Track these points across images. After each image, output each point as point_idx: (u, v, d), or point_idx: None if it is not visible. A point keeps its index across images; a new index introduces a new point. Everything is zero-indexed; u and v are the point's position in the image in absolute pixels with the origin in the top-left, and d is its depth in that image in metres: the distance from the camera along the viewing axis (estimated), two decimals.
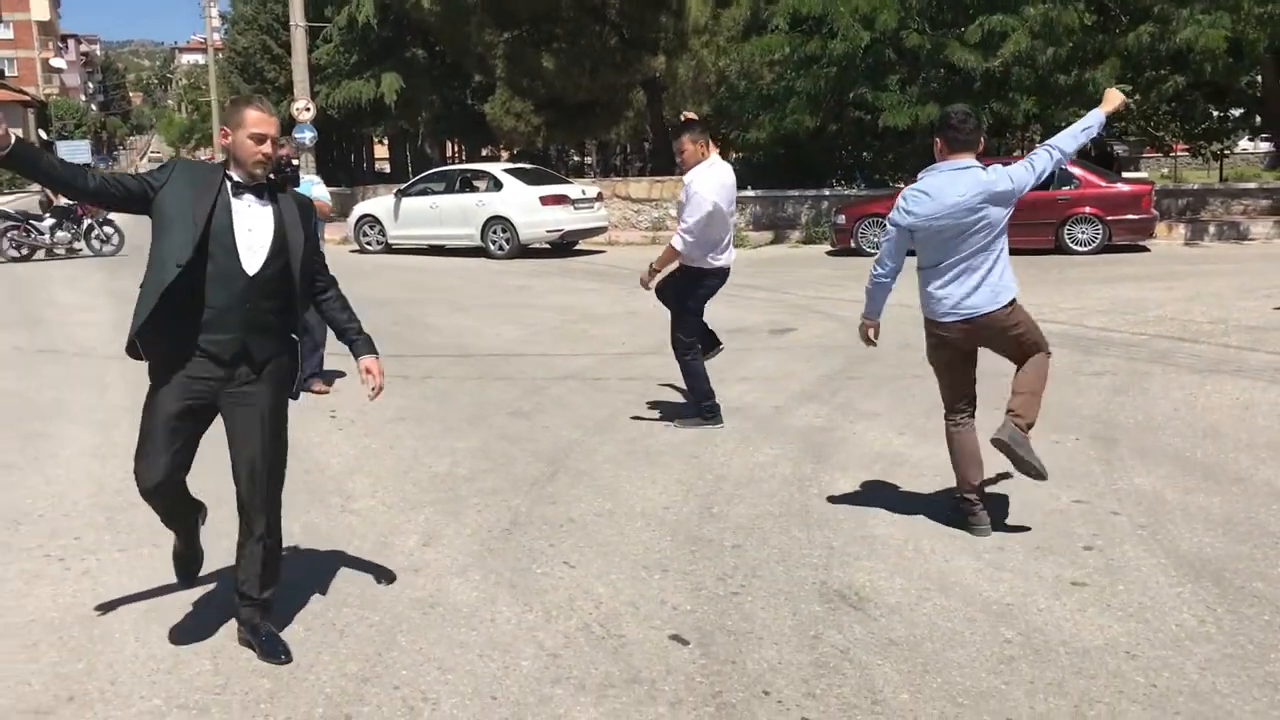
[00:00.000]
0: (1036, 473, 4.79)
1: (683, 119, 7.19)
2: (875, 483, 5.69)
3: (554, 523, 5.20)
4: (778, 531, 4.99)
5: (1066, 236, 16.73)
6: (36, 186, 53.03)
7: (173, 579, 4.58)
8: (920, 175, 4.87)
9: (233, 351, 3.74)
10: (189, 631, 4.07)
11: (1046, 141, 4.94)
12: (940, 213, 4.66)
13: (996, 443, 4.81)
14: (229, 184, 3.71)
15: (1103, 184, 17.03)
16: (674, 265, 6.84)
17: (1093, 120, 4.86)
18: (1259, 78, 22.54)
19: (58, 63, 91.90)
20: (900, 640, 3.85)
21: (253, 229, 3.72)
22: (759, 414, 7.22)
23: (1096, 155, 24.92)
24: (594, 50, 24.91)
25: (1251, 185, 21.52)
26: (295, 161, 8.91)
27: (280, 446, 4.00)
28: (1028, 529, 4.92)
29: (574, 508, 5.41)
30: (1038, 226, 16.72)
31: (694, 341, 6.94)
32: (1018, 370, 5.00)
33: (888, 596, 4.23)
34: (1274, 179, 28.32)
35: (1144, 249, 17.20)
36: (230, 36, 52.62)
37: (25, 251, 20.29)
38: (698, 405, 7.00)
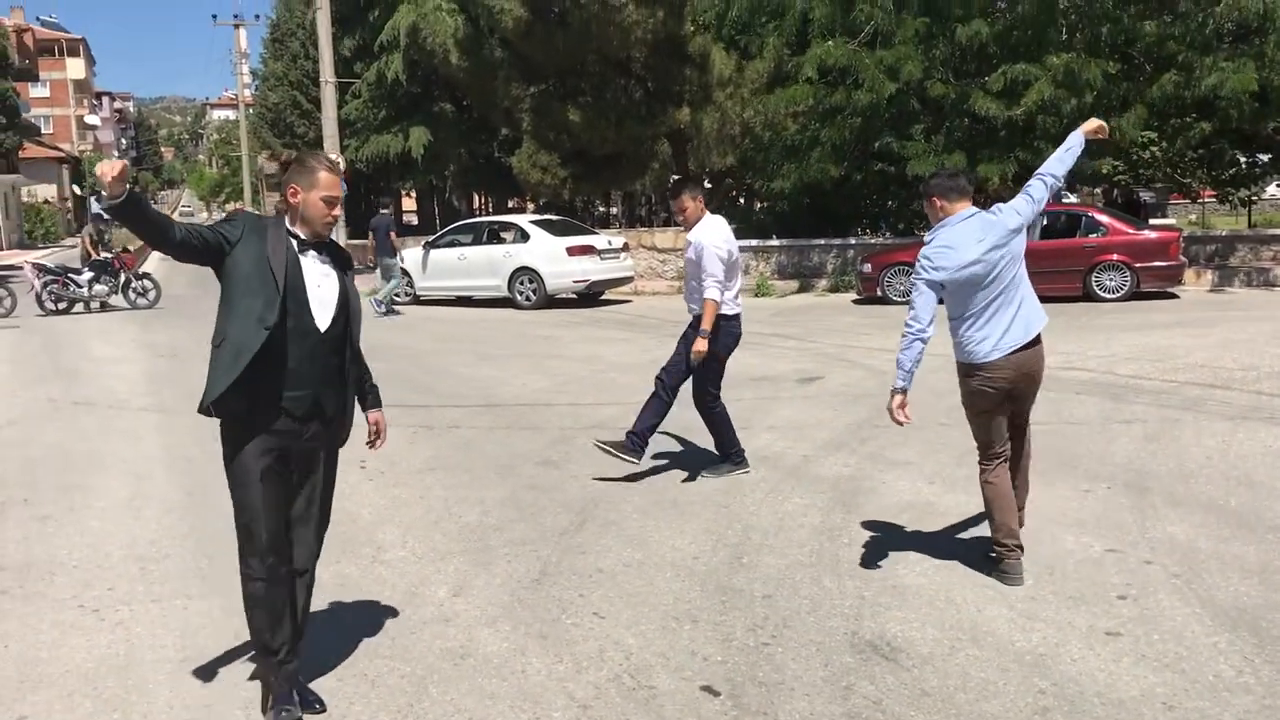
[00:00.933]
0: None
1: (672, 181, 7.46)
2: (906, 532, 5.67)
3: (583, 573, 5.20)
4: (808, 581, 4.97)
5: (1094, 284, 16.68)
6: (70, 240, 53.53)
7: (204, 629, 4.62)
8: (931, 234, 4.95)
9: (307, 407, 3.76)
10: (222, 681, 4.09)
11: (1037, 171, 5.10)
12: (967, 261, 4.75)
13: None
14: (295, 241, 3.77)
15: (1130, 231, 17.00)
16: (707, 322, 6.67)
17: (1074, 142, 5.07)
18: None
19: (92, 120, 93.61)
20: (933, 691, 3.82)
21: (320, 285, 3.79)
22: (787, 463, 7.22)
23: (1124, 203, 24.96)
24: (619, 103, 25.16)
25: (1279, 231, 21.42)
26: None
27: (331, 496, 4.06)
28: (1060, 578, 4.88)
29: (603, 558, 5.41)
30: (1065, 274, 16.73)
31: (718, 393, 6.98)
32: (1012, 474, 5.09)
33: (920, 647, 4.21)
34: None
35: (1173, 295, 17.12)
36: (261, 92, 53.48)
37: (64, 305, 20.57)
38: (725, 454, 7.03)
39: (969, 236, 4.80)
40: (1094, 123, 5.18)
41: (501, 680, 4.04)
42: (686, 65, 25.12)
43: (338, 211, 3.83)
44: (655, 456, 7.58)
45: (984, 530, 5.59)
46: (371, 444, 4.13)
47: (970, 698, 3.77)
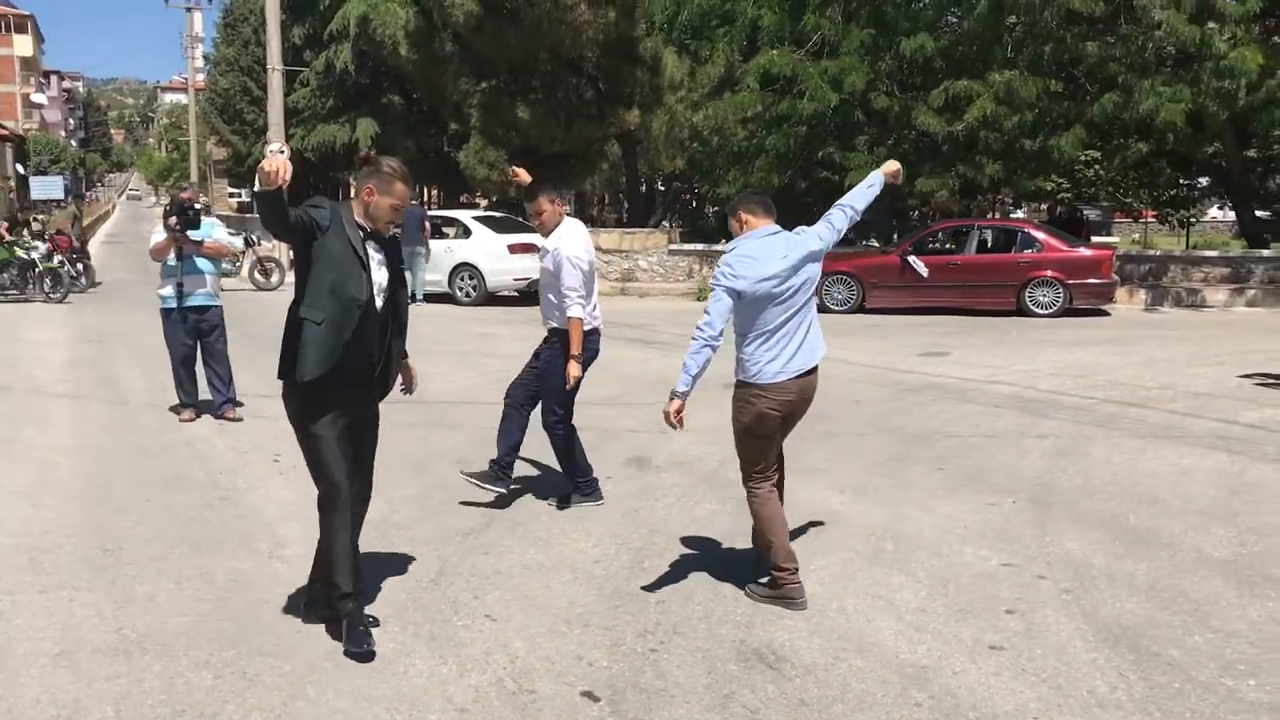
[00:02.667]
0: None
1: (512, 173, 6.74)
2: (809, 540, 5.69)
3: (482, 574, 5.17)
4: (705, 588, 4.98)
5: (1028, 299, 16.87)
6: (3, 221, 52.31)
7: (87, 622, 4.53)
8: (734, 244, 4.82)
9: (365, 371, 4.36)
10: (96, 676, 4.01)
11: (839, 201, 5.11)
12: (768, 274, 4.66)
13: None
14: (362, 232, 4.30)
15: (1064, 248, 17.23)
16: (575, 345, 6.12)
17: (875, 180, 5.14)
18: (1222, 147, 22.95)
19: (38, 98, 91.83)
20: (811, 701, 3.84)
21: (379, 269, 4.36)
22: (702, 468, 7.23)
23: (1067, 220, 25.28)
24: (569, 102, 25.08)
25: (1212, 253, 21.80)
26: (197, 205, 8.93)
27: (376, 442, 4.64)
28: (954, 591, 4.93)
29: (504, 559, 5.38)
30: (999, 289, 16.94)
31: (567, 415, 6.32)
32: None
33: (805, 656, 4.22)
34: (1239, 247, 28.79)
35: (1105, 313, 17.37)
36: (212, 77, 52.81)
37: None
38: (575, 483, 6.39)
39: (773, 251, 4.72)
40: (892, 165, 5.24)
41: (382, 682, 3.99)
42: (638, 67, 25.10)
43: (401, 218, 4.43)
44: None
45: (886, 540, 5.65)
46: (407, 389, 4.79)
47: (847, 709, 3.78)
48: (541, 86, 25.42)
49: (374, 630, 4.39)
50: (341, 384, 4.26)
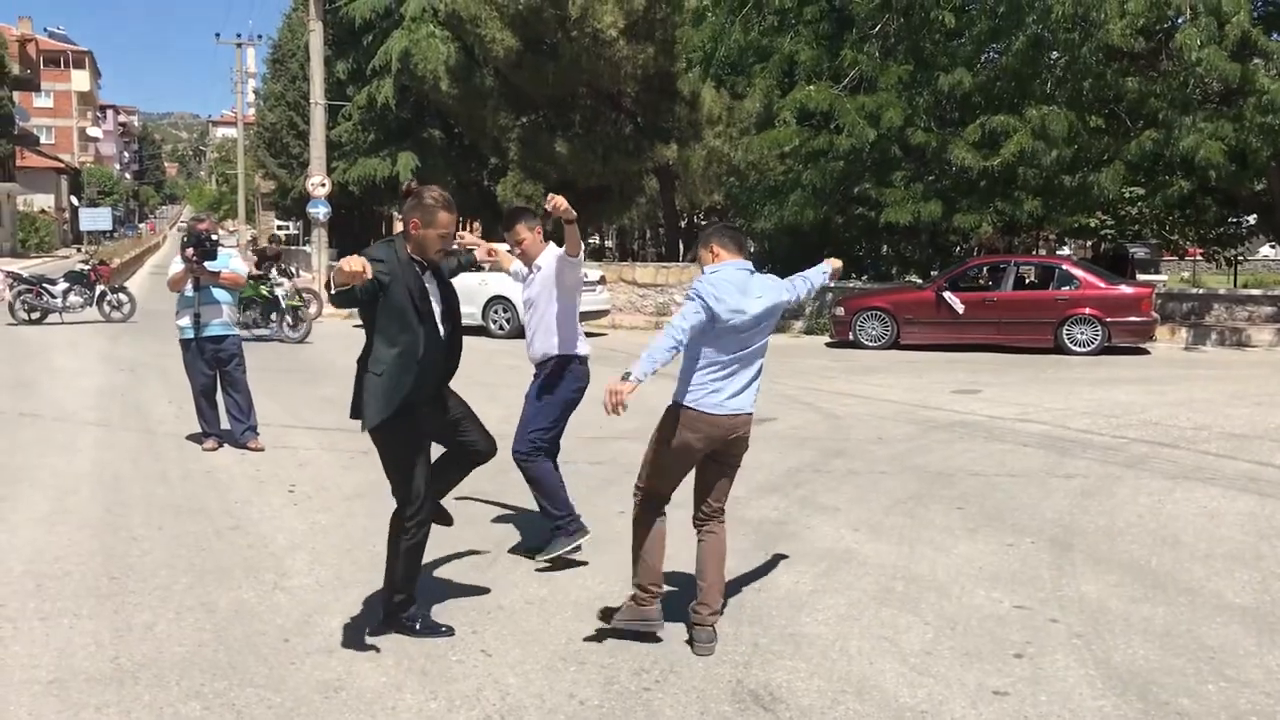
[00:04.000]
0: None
1: (506, 211, 6.35)
2: (819, 579, 5.59)
3: (482, 609, 5.12)
4: None
5: (1066, 336, 16.67)
6: (64, 251, 53.26)
7: (84, 650, 4.53)
8: (715, 268, 4.70)
9: (431, 395, 4.64)
10: (86, 706, 4.00)
11: (803, 273, 5.39)
12: (743, 309, 4.60)
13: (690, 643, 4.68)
14: (419, 267, 4.48)
15: (1103, 285, 17.01)
16: (550, 358, 6.03)
17: (826, 269, 5.59)
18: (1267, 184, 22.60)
19: (94, 132, 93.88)
20: None
21: (437, 300, 4.58)
22: None
23: (1112, 257, 24.99)
24: (608, 137, 25.26)
25: (1256, 292, 21.46)
26: (215, 236, 9.00)
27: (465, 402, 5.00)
28: (962, 634, 4.81)
29: (507, 594, 5.33)
30: (1036, 325, 16.76)
31: (552, 449, 6.10)
32: (703, 543, 4.89)
33: (802, 698, 4.13)
34: None
35: (1145, 352, 17.12)
36: (260, 112, 53.70)
37: (36, 315, 20.49)
38: (556, 524, 5.93)
39: (750, 288, 4.66)
40: (835, 263, 5.66)
41: (370, 716, 3.95)
42: (676, 102, 25.26)
43: (450, 245, 4.63)
44: (591, 490, 7.51)
45: (898, 579, 5.53)
46: None
47: None
48: (580, 121, 25.64)
49: (366, 664, 4.36)
50: (414, 410, 4.50)
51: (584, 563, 5.86)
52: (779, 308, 4.81)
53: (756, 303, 4.65)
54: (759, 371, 4.79)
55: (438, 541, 6.20)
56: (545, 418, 5.99)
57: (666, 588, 5.38)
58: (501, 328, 19.21)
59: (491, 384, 12.97)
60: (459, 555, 5.98)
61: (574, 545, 5.88)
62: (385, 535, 6.28)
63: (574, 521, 5.93)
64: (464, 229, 42.64)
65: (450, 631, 4.76)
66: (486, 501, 7.13)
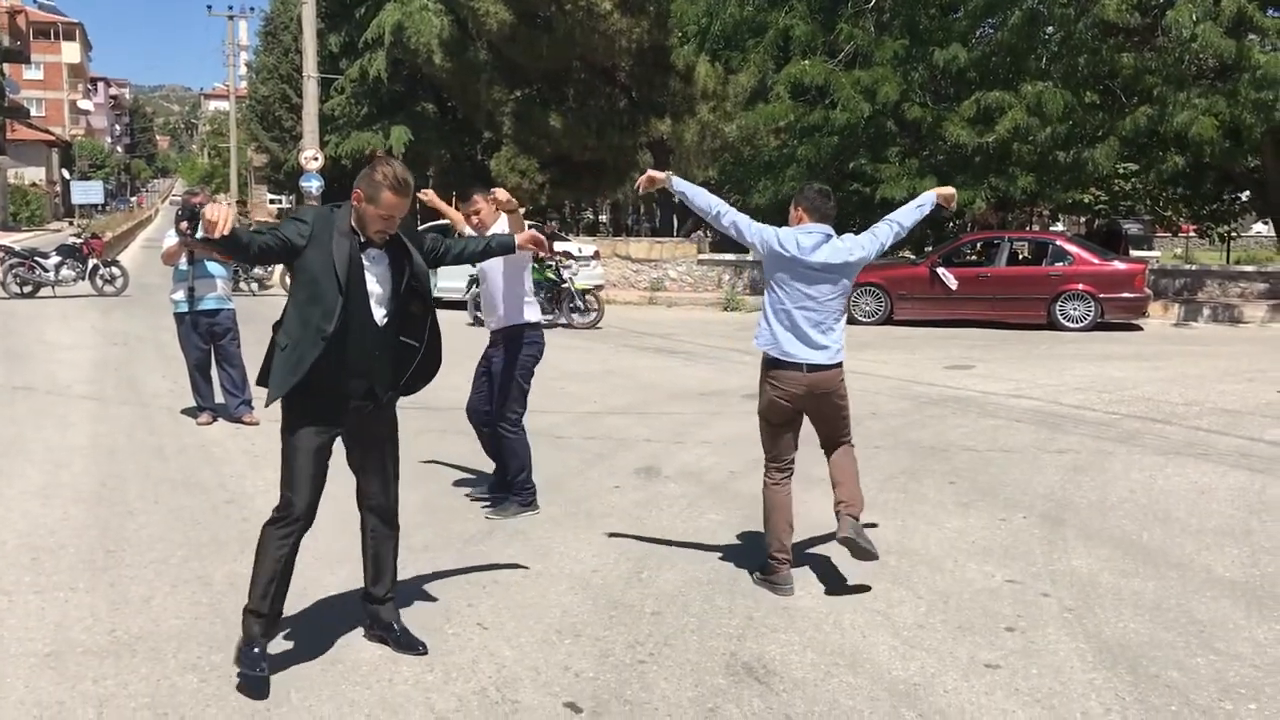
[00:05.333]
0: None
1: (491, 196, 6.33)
2: (812, 553, 5.62)
3: (478, 582, 5.14)
4: (700, 600, 4.92)
5: (1058, 312, 16.70)
6: (55, 224, 53.08)
7: (80, 623, 4.54)
8: (786, 229, 5.08)
9: (362, 392, 4.10)
10: (83, 679, 4.01)
11: (888, 216, 5.37)
12: (805, 258, 4.95)
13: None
14: (357, 240, 3.98)
15: (1096, 261, 17.03)
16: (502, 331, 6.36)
17: (926, 200, 5.42)
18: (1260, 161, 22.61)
19: (85, 105, 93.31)
20: (797, 717, 3.77)
21: (379, 281, 4.04)
22: (712, 479, 7.17)
23: (1105, 233, 24.98)
24: (601, 111, 25.18)
25: (1249, 268, 21.49)
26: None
27: (398, 453, 4.43)
28: (954, 608, 4.84)
29: (503, 568, 5.35)
30: (1029, 301, 16.79)
31: (523, 415, 6.37)
32: (831, 462, 5.36)
33: (795, 671, 4.16)
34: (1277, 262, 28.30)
35: (1137, 328, 17.16)
36: (253, 85, 53.40)
37: (29, 289, 20.42)
38: (512, 487, 6.32)
39: (819, 249, 4.98)
40: (948, 190, 5.50)
41: (366, 688, 3.97)
42: (671, 76, 25.17)
43: (392, 229, 3.99)
44: (585, 464, 7.53)
45: (890, 554, 5.56)
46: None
47: None
48: (574, 95, 25.55)
49: (363, 636, 4.39)
50: (325, 405, 4.01)
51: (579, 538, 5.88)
52: (847, 269, 5.04)
53: (816, 257, 4.95)
54: (830, 328, 5.04)
55: (433, 515, 6.24)
56: (518, 388, 6.34)
57: (684, 563, 5.42)
58: None
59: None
60: (454, 529, 5.99)
61: (523, 515, 6.21)
62: None
63: (531, 495, 6.32)
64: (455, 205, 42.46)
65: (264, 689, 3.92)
66: (482, 473, 7.13)
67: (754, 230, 5.06)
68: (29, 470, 7.21)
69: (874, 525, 5.95)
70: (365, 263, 3.99)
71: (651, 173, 5.19)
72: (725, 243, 25.89)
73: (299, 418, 4.03)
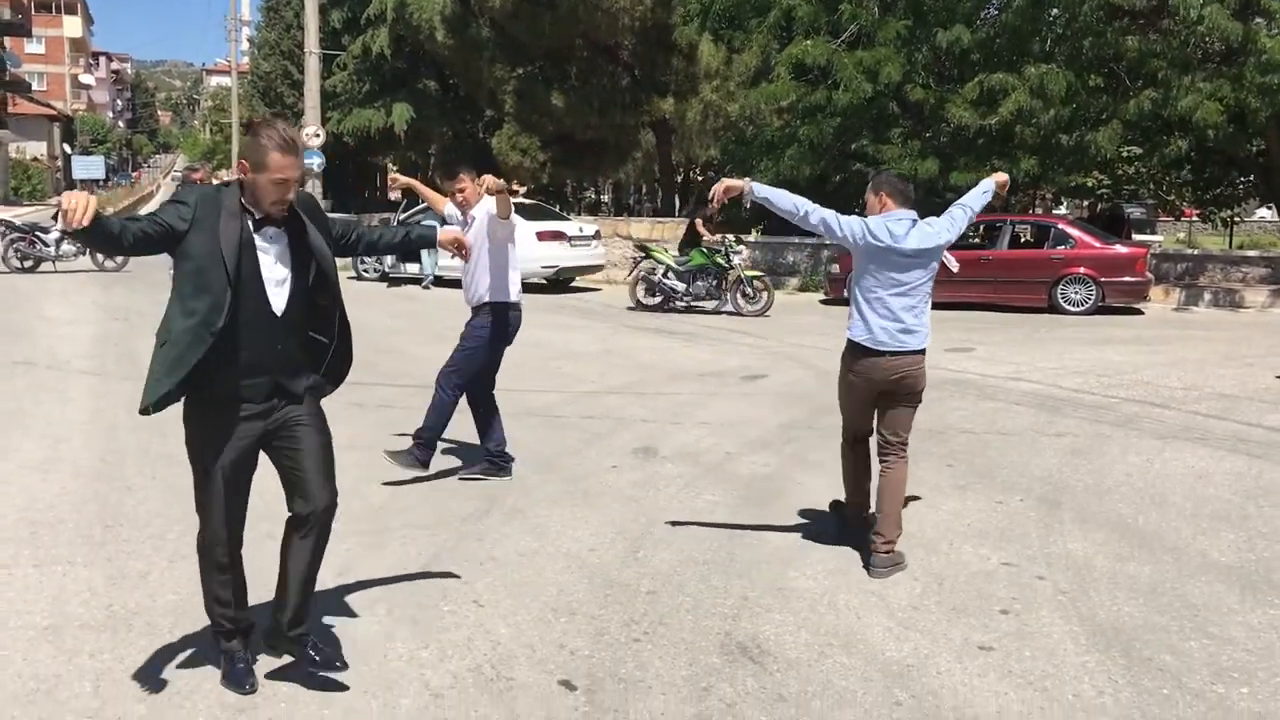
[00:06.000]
0: None
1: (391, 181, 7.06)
2: (808, 534, 5.63)
3: (474, 560, 5.15)
4: (696, 579, 4.93)
5: (1060, 296, 16.66)
6: (57, 199, 53.26)
7: (78, 597, 4.56)
8: (878, 218, 5.16)
9: (265, 392, 3.65)
10: (79, 653, 4.03)
11: (959, 201, 5.45)
12: (896, 247, 5.08)
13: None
14: (250, 220, 3.55)
15: (1098, 245, 16.99)
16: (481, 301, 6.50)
17: (988, 186, 5.57)
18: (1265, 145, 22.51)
19: (86, 79, 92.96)
20: (790, 696, 3.79)
21: (277, 263, 3.61)
22: (709, 460, 7.17)
23: (1108, 217, 24.91)
24: (604, 90, 25.09)
25: (1252, 253, 21.43)
26: (210, 185, 8.98)
27: (329, 445, 3.90)
28: (949, 590, 4.85)
29: (499, 546, 5.36)
30: (1031, 285, 16.75)
31: (471, 385, 6.59)
32: (881, 476, 5.38)
33: (790, 651, 4.17)
34: None
35: (1139, 312, 17.14)
36: (255, 61, 53.20)
37: (30, 263, 20.42)
38: (424, 443, 6.55)
39: (911, 233, 5.12)
40: (1003, 176, 5.68)
41: (362, 664, 3.98)
42: (674, 55, 25.07)
43: (290, 195, 3.56)
44: (582, 444, 7.54)
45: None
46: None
47: (826, 705, 3.73)
48: (576, 73, 25.47)
49: (359, 613, 4.41)
50: (224, 410, 3.60)
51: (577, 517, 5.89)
52: (936, 252, 5.21)
53: (907, 243, 5.08)
54: (918, 312, 5.19)
55: (430, 493, 6.26)
56: (471, 358, 6.55)
57: (680, 543, 5.44)
58: None
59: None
60: (452, 507, 6.00)
61: (411, 471, 6.49)
62: (375, 488, 6.36)
63: (428, 456, 6.56)
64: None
65: None
66: (474, 453, 7.14)
67: (844, 225, 5.10)
68: (28, 445, 7.22)
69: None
70: (261, 243, 3.56)
71: (729, 181, 5.15)
72: (728, 223, 25.85)
73: (201, 431, 3.64)
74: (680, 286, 16.75)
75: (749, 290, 16.55)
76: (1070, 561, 5.24)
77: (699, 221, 17.94)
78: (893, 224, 5.08)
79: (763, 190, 5.11)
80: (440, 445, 7.35)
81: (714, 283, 16.76)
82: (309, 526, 3.77)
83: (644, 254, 17.54)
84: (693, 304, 16.83)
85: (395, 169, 6.58)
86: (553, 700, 3.74)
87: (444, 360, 6.68)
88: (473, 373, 6.54)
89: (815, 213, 5.11)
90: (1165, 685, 3.90)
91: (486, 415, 6.69)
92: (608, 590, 4.79)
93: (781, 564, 5.14)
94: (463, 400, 6.61)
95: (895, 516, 5.13)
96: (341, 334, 3.87)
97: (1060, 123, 18.72)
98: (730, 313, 16.46)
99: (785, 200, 5.15)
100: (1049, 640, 4.30)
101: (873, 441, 5.47)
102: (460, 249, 4.54)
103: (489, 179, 6.11)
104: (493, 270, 6.41)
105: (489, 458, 6.65)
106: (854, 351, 5.22)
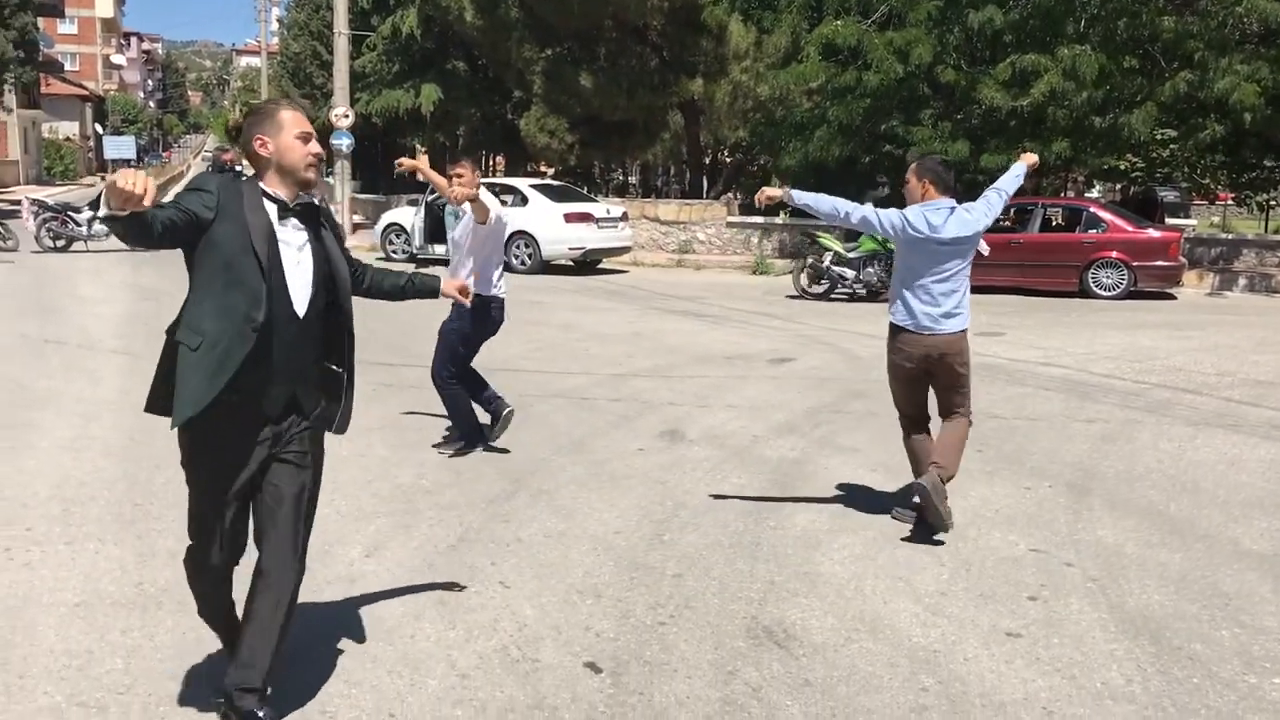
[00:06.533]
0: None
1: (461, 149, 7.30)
2: (835, 519, 5.61)
3: (501, 541, 5.17)
4: (722, 563, 4.93)
5: (1091, 280, 16.51)
6: (89, 179, 53.45)
7: (109, 574, 4.61)
8: (916, 208, 5.26)
9: (282, 404, 3.31)
10: (111, 629, 4.07)
11: (994, 185, 5.52)
12: (935, 236, 5.19)
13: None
14: (275, 208, 3.26)
15: (1130, 229, 16.81)
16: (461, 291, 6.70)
17: (1020, 170, 5.63)
18: None
19: (118, 59, 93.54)
20: (816, 681, 3.78)
21: (300, 262, 3.30)
22: (736, 443, 7.16)
23: (1141, 200, 24.62)
24: (633, 71, 24.98)
25: None
26: (239, 166, 9.02)
27: (317, 493, 3.56)
28: (976, 575, 4.83)
29: (525, 528, 5.37)
30: (1061, 269, 16.62)
31: (461, 373, 6.83)
32: (944, 426, 5.57)
33: (815, 636, 4.16)
34: None
35: (1171, 297, 16.97)
36: (284, 41, 53.30)
37: (62, 243, 20.59)
38: (468, 435, 6.84)
39: (946, 224, 5.20)
40: (1032, 156, 5.79)
41: (389, 644, 4.01)
42: (703, 36, 24.94)
43: (316, 147, 3.32)
44: (610, 426, 7.54)
45: (911, 520, 5.54)
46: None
47: (851, 690, 3.72)
48: (605, 54, 25.37)
49: (386, 593, 4.43)
50: (241, 427, 3.26)
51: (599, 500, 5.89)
52: (976, 239, 5.31)
53: (947, 230, 5.19)
54: (957, 296, 5.31)
55: (459, 475, 6.28)
56: (456, 351, 6.78)
57: (707, 527, 5.43)
58: (523, 263, 19.17)
59: (513, 319, 12.91)
60: (479, 489, 6.02)
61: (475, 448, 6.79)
62: (404, 468, 6.39)
63: (477, 435, 6.82)
64: (489, 163, 41.85)
65: None
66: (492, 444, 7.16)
67: (884, 220, 5.25)
68: (59, 423, 7.30)
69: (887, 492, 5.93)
70: (282, 235, 3.26)
71: (768, 190, 5.38)
72: (754, 205, 25.75)
73: (204, 447, 3.28)
74: (849, 274, 16.33)
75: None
76: (1100, 548, 5.20)
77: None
78: (930, 214, 5.18)
79: (802, 197, 5.26)
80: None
81: (886, 270, 16.07)
82: (266, 583, 3.34)
83: (810, 240, 17.09)
84: (860, 292, 16.33)
85: (424, 150, 6.58)
86: (578, 682, 3.74)
87: (516, 346, 6.94)
88: (459, 362, 6.77)
89: (855, 212, 5.26)
90: (1195, 674, 3.86)
91: (453, 403, 6.85)
92: (633, 573, 4.79)
93: (808, 548, 5.13)
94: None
95: (953, 454, 5.32)
96: (350, 362, 3.50)
97: (1093, 104, 18.50)
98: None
99: (825, 204, 5.29)
100: (1077, 627, 4.27)
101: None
102: (465, 296, 4.30)
103: (459, 191, 6.34)
104: (478, 263, 6.62)
105: (476, 429, 6.90)
106: (894, 332, 5.37)
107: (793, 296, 16.56)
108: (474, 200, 6.33)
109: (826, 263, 16.48)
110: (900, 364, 5.38)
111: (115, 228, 2.91)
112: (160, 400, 3.28)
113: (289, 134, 3.27)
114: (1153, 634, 4.21)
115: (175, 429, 3.24)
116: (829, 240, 16.67)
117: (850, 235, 16.59)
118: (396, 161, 7.15)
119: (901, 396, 5.55)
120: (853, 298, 16.37)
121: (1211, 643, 4.14)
